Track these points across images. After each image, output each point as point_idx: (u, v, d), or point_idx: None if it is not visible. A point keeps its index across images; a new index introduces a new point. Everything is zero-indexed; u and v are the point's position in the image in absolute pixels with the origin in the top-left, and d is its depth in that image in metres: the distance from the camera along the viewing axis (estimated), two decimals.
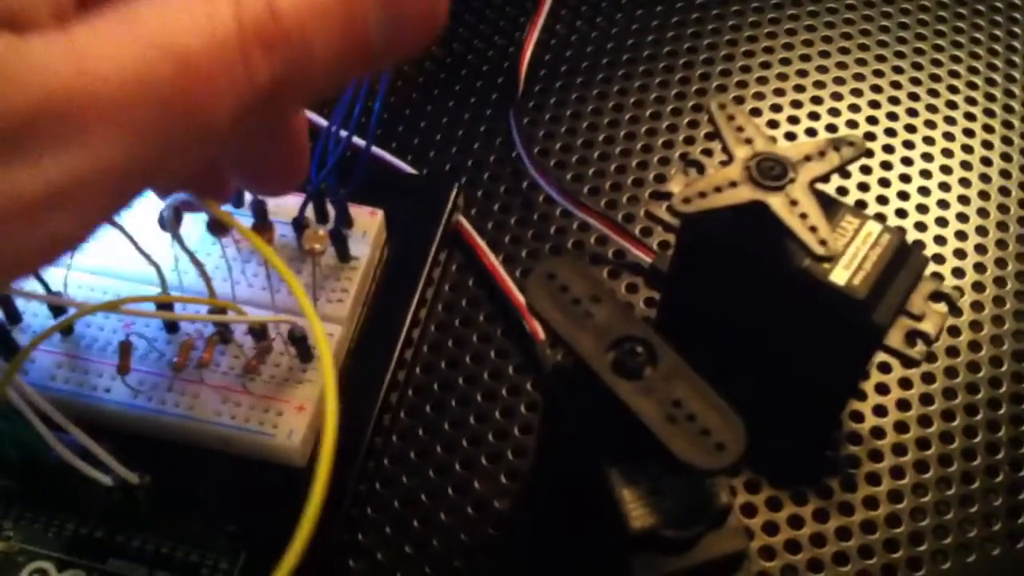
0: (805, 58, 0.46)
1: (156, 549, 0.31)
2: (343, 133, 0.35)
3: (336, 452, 0.33)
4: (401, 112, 0.43)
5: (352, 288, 0.36)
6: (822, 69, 0.45)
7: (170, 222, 0.31)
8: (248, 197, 0.36)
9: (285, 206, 0.36)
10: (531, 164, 0.41)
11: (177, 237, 0.31)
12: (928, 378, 0.37)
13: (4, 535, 0.31)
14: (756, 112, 0.44)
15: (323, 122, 0.39)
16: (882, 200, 0.41)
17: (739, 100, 0.44)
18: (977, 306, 0.39)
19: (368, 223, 0.37)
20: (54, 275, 0.34)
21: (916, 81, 0.45)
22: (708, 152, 0.43)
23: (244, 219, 0.36)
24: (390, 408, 0.36)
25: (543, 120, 0.44)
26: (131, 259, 0.34)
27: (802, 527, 0.34)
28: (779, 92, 0.45)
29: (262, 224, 0.36)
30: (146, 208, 0.34)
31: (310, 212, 0.36)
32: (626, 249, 0.39)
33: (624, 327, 0.27)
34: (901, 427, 0.36)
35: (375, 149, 0.40)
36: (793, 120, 0.44)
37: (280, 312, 0.35)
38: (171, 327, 0.34)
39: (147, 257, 0.32)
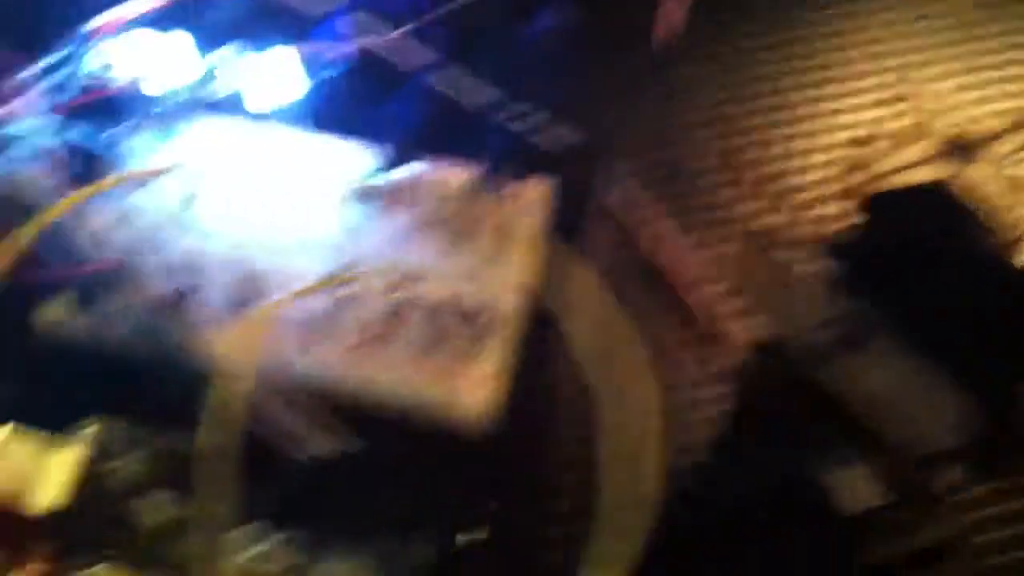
0: None
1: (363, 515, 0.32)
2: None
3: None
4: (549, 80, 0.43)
5: (524, 260, 0.36)
6: None
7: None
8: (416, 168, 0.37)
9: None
10: (679, 132, 0.41)
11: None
12: None
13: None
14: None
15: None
16: None
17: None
18: None
19: (536, 194, 0.37)
20: None
21: None
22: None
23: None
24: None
25: (688, 86, 0.43)
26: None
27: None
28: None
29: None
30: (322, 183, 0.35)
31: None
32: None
33: (834, 304, 0.28)
34: None
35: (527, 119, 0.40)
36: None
37: (457, 280, 0.35)
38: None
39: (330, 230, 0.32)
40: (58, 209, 0.30)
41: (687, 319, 0.37)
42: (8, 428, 0.31)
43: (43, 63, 0.33)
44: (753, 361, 0.33)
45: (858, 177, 0.30)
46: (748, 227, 0.39)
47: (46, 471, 0.30)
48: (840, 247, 0.37)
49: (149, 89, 0.35)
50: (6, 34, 0.34)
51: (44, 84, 0.31)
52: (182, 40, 0.34)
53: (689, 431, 0.35)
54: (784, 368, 0.28)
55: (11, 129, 0.30)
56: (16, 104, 0.29)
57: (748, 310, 0.33)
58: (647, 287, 0.38)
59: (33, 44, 0.34)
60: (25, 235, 0.30)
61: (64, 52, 0.33)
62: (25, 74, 0.30)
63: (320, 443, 0.30)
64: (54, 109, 0.32)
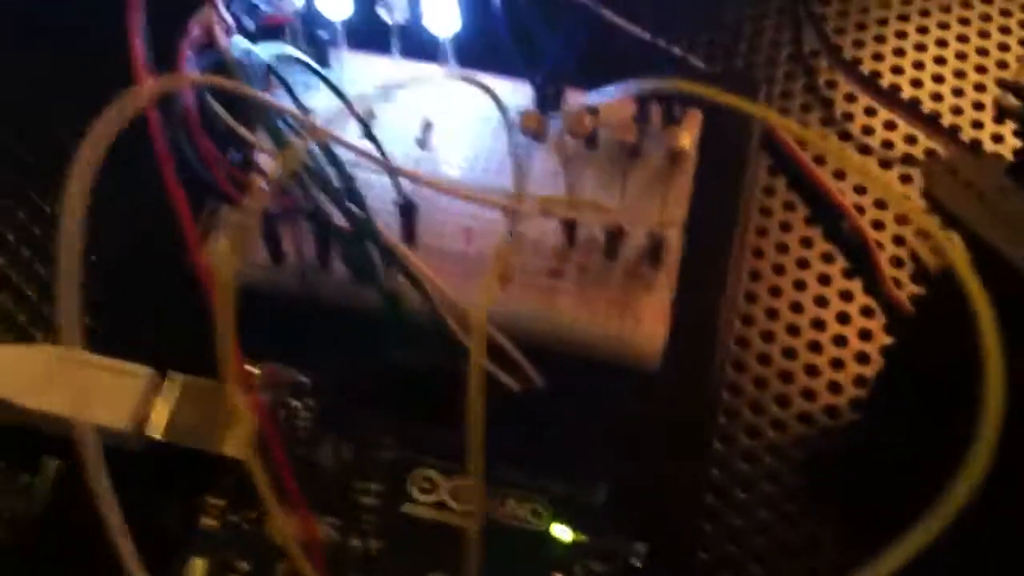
0: None
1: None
2: None
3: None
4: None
5: (685, 192, 0.35)
6: None
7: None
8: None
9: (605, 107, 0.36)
10: (830, 57, 0.40)
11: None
12: None
13: (386, 444, 0.31)
14: None
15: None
16: None
17: None
18: None
19: (690, 122, 0.36)
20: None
21: None
22: None
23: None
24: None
25: (832, 18, 0.42)
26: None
27: None
28: None
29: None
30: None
31: None
32: (937, 147, 0.38)
33: None
34: None
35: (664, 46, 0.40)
36: None
37: (622, 211, 0.34)
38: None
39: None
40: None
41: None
42: (181, 378, 0.31)
43: None
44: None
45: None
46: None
47: (227, 417, 0.30)
48: None
49: (318, 16, 0.35)
50: None
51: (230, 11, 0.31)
52: None
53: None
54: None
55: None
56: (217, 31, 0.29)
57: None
58: (813, 213, 0.37)
59: None
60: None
61: None
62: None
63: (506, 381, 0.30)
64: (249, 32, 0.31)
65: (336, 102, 0.32)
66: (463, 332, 0.30)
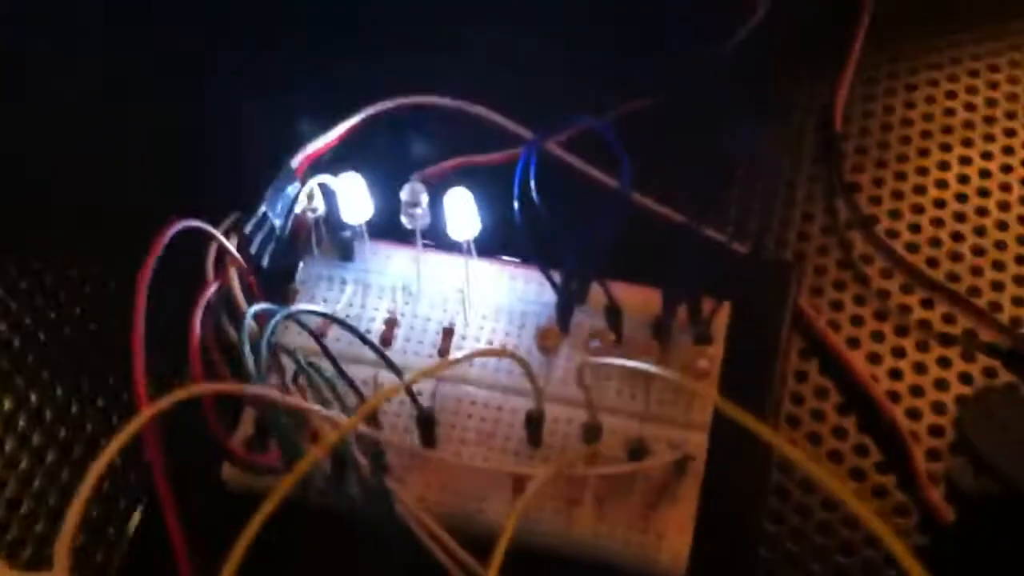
0: None
1: None
2: None
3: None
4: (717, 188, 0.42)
5: (711, 396, 0.34)
6: None
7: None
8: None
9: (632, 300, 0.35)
10: (864, 234, 0.39)
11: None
12: None
13: None
14: None
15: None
16: None
17: None
18: None
19: (717, 318, 0.36)
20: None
21: None
22: None
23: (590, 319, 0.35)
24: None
25: (865, 187, 0.41)
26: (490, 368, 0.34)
27: None
28: None
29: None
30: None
31: None
32: (977, 328, 0.37)
33: None
34: None
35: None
36: None
37: (648, 420, 0.33)
38: (535, 438, 0.34)
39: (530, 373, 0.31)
40: None
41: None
42: None
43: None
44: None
45: None
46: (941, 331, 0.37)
47: None
48: (1014, 351, 0.34)
49: (337, 221, 0.35)
50: None
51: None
52: (357, 180, 0.34)
53: None
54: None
55: None
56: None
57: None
58: (845, 401, 0.36)
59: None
60: None
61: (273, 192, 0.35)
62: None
63: None
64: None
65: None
66: None
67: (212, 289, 0.29)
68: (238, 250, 0.31)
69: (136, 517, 0.32)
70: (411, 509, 0.30)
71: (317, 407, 0.29)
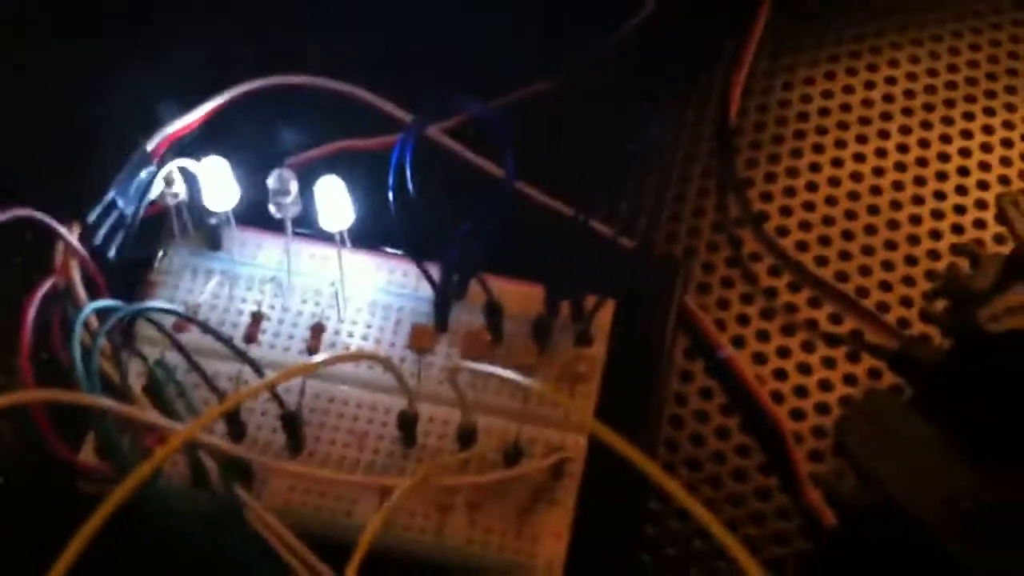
0: None
1: None
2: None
3: None
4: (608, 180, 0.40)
5: (592, 392, 0.33)
6: None
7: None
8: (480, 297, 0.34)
9: (513, 296, 0.34)
10: (754, 231, 0.38)
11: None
12: None
13: None
14: None
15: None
16: None
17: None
18: None
19: (600, 315, 0.34)
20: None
21: None
22: (980, 241, 0.39)
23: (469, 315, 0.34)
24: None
25: (758, 182, 0.41)
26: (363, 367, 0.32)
27: None
28: None
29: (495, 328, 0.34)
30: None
31: None
32: (863, 328, 0.37)
33: (957, 478, 0.25)
34: None
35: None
36: None
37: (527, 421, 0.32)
38: (409, 439, 0.32)
39: (398, 375, 0.30)
40: None
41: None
42: None
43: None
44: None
45: (988, 312, 0.27)
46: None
47: None
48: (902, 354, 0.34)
49: (201, 208, 0.33)
50: None
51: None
52: (222, 165, 0.32)
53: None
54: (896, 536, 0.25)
55: None
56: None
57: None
58: (729, 402, 0.36)
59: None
60: None
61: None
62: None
63: None
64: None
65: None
66: None
67: (48, 284, 0.27)
68: (80, 240, 0.29)
69: None
70: (264, 518, 0.28)
71: (150, 415, 0.27)
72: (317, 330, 0.33)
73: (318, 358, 0.27)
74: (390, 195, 0.31)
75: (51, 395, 0.24)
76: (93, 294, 0.29)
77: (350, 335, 0.34)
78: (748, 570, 0.19)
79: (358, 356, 0.31)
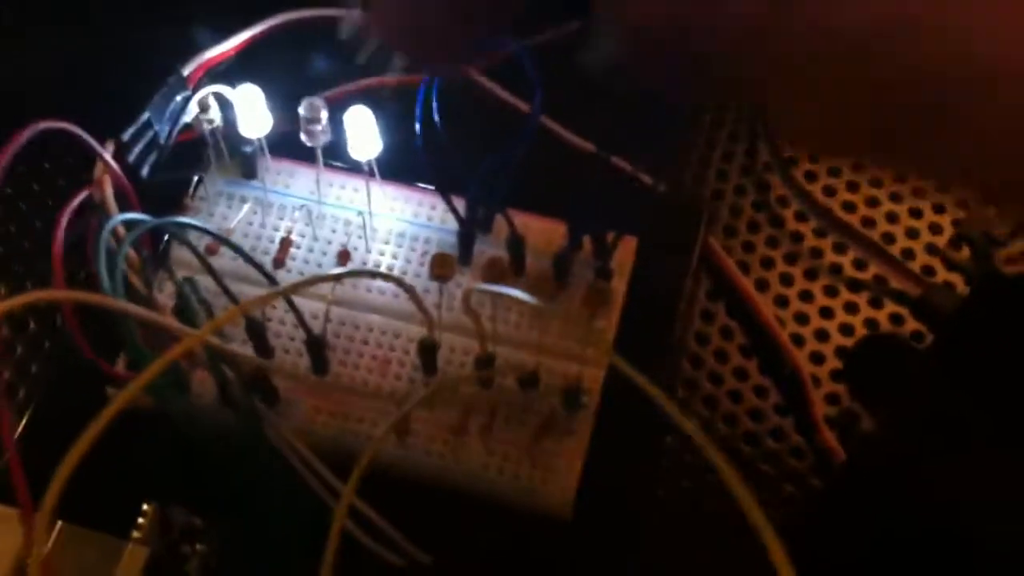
0: None
1: None
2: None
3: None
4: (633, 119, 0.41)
5: (611, 326, 0.34)
6: None
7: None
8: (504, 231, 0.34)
9: (537, 231, 0.35)
10: (781, 176, 0.38)
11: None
12: None
13: None
14: None
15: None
16: None
17: None
18: None
19: (621, 252, 0.35)
20: (306, 304, 0.33)
21: None
22: None
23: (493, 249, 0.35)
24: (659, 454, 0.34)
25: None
26: (389, 295, 0.33)
27: None
28: None
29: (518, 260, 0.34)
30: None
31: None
32: (888, 275, 0.37)
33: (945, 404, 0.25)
34: None
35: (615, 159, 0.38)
36: None
37: (545, 353, 0.33)
38: (429, 367, 0.33)
39: (414, 296, 0.30)
40: None
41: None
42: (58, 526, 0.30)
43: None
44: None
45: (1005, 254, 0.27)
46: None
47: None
48: (923, 301, 0.34)
49: (235, 135, 0.34)
50: None
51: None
52: (255, 92, 0.32)
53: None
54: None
55: None
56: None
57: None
58: (750, 343, 0.36)
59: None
60: None
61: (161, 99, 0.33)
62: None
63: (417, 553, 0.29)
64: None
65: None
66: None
67: (82, 196, 0.28)
68: (115, 158, 0.30)
69: None
70: (285, 436, 0.29)
71: (169, 320, 0.28)
72: (344, 257, 0.34)
73: (335, 271, 0.28)
74: (417, 128, 0.32)
75: (75, 295, 0.25)
76: (126, 211, 0.29)
77: (376, 264, 0.34)
78: (751, 513, 0.19)
79: (370, 273, 0.32)
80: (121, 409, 0.20)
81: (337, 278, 0.30)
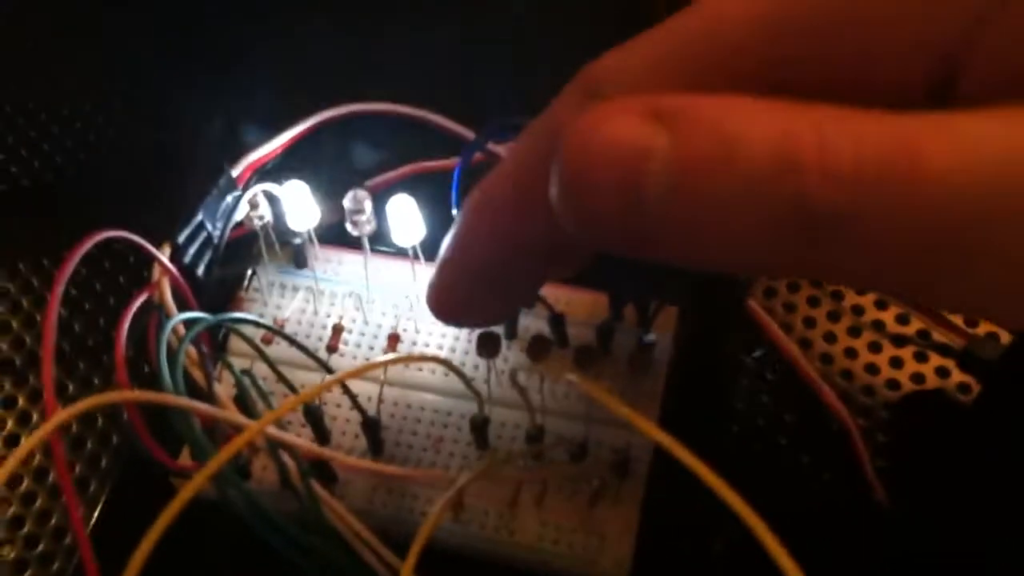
0: None
1: None
2: None
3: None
4: None
5: (658, 395, 0.34)
6: None
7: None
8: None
9: (579, 304, 0.36)
10: None
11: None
12: None
13: None
14: None
15: None
16: None
17: None
18: None
19: (663, 319, 0.36)
20: (359, 387, 0.34)
21: None
22: None
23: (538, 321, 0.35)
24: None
25: None
26: (439, 374, 0.34)
27: None
28: None
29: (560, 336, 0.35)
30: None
31: None
32: (931, 329, 0.37)
33: None
34: None
35: None
36: None
37: (594, 422, 0.34)
38: (481, 442, 0.34)
39: (462, 376, 0.32)
40: None
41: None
42: None
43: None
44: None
45: None
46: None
47: None
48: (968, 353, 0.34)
49: (285, 228, 0.36)
50: None
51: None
52: (302, 188, 0.34)
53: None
54: None
55: None
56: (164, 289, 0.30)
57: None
58: (797, 403, 0.36)
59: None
60: None
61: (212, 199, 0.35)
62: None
63: None
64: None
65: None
66: None
67: (141, 298, 0.29)
68: (171, 259, 0.31)
69: None
70: (340, 513, 0.30)
71: (229, 412, 0.29)
72: (394, 340, 0.35)
73: (383, 358, 0.29)
74: (453, 212, 0.33)
75: (136, 395, 0.26)
76: (184, 310, 0.31)
77: (426, 344, 0.36)
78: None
79: (421, 358, 0.33)
80: (187, 500, 0.21)
81: (388, 364, 0.31)
